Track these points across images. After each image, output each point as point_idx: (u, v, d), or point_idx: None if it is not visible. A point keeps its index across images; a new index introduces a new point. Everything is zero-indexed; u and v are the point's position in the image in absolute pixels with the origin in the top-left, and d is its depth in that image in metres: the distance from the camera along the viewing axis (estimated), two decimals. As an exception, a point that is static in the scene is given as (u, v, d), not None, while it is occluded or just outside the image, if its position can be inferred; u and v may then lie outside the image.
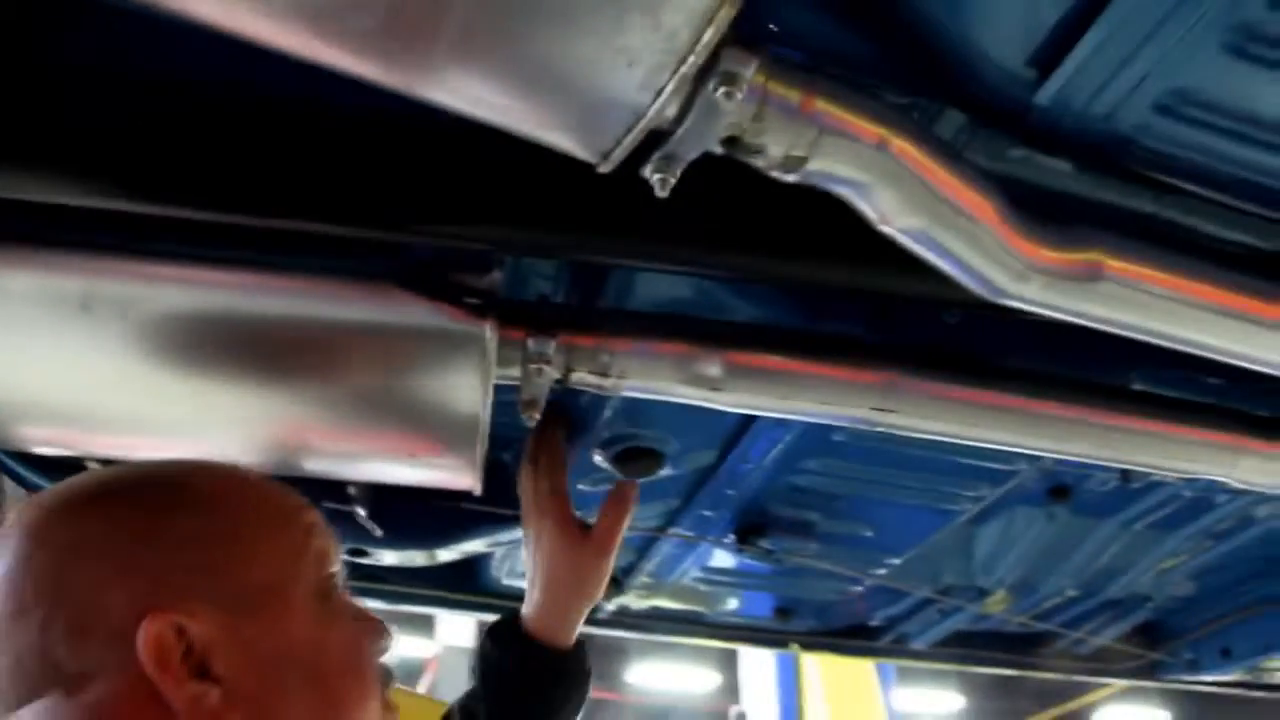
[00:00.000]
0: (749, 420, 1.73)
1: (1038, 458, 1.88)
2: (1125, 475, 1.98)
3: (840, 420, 1.46)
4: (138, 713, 0.83)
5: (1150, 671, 2.93)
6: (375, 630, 1.02)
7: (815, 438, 1.78)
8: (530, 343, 1.37)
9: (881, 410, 1.43)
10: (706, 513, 2.00)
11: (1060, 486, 2.11)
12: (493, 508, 1.95)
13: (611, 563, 1.55)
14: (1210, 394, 1.69)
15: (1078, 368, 1.62)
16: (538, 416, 1.45)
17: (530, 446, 1.65)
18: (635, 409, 1.73)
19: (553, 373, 1.40)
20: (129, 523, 0.91)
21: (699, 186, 1.27)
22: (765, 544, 1.98)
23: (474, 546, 2.03)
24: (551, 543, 1.53)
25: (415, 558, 2.01)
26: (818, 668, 4.35)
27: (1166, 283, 1.29)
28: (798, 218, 1.33)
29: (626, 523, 1.57)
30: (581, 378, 1.43)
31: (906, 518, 2.07)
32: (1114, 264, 1.24)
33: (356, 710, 0.95)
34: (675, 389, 1.44)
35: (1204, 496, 2.15)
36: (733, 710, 4.33)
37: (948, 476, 1.93)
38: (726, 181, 1.23)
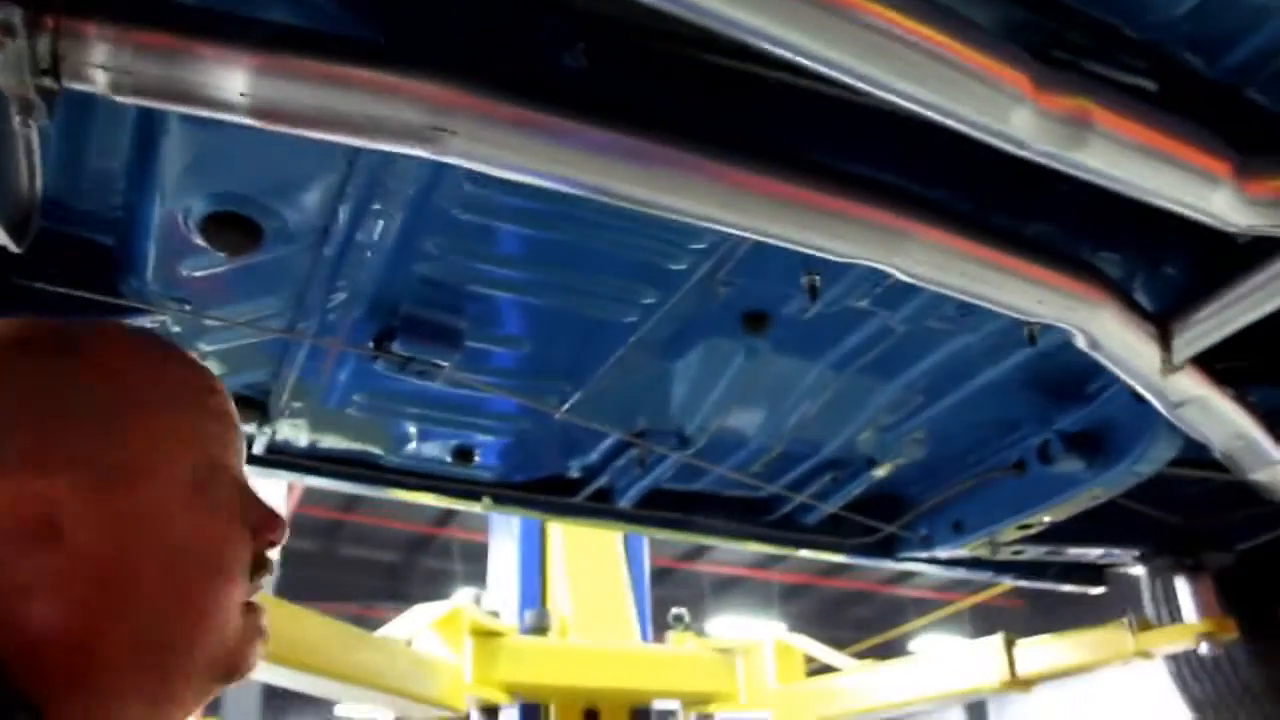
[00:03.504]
0: (345, 180, 1.46)
1: (707, 253, 1.65)
2: (812, 290, 1.75)
3: (393, 142, 1.19)
4: None
5: (886, 548, 2.77)
6: (260, 525, 0.96)
7: (430, 210, 1.52)
8: (-6, 11, 1.08)
9: (439, 130, 1.16)
10: (332, 311, 1.73)
11: (755, 313, 1.89)
12: (89, 294, 1.67)
13: None
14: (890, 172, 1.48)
15: (742, 130, 1.40)
16: (33, 123, 1.18)
17: None
18: (211, 158, 1.45)
19: (27, 56, 1.11)
20: (12, 380, 0.87)
21: None
22: (399, 349, 1.71)
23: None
24: None
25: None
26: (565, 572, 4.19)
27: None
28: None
29: None
30: (77, 73, 1.15)
31: (570, 330, 1.83)
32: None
33: (209, 606, 0.90)
34: (201, 96, 1.17)
35: (914, 333, 1.96)
36: (470, 593, 4.12)
37: (602, 275, 1.69)
38: None
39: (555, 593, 4.18)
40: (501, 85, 1.20)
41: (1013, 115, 1.18)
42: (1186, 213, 1.36)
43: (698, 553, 16.30)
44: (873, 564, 2.87)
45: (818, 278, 1.75)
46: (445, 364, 1.75)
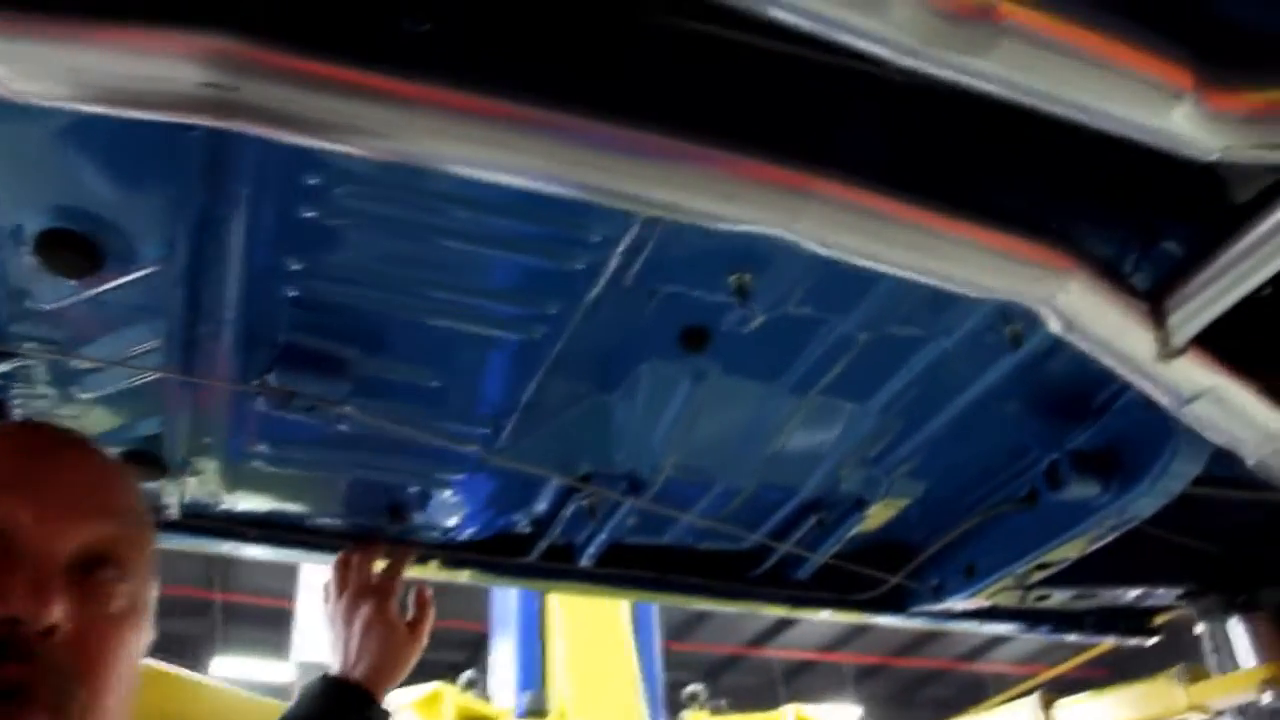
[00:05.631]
0: (173, 183, 1.28)
1: (604, 247, 1.43)
2: (741, 290, 1.53)
3: (166, 110, 1.00)
4: None
5: (895, 602, 2.49)
6: None
7: (276, 214, 1.33)
8: None
9: (217, 87, 0.97)
10: (206, 345, 1.53)
11: (693, 328, 1.67)
12: None
13: None
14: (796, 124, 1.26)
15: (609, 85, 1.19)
16: None
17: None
18: (28, 165, 1.28)
19: None
20: None
21: None
22: (277, 383, 1.51)
23: None
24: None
25: None
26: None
27: None
28: None
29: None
30: None
31: (474, 355, 1.62)
32: None
33: None
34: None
35: (879, 343, 1.72)
36: (463, 676, 3.85)
37: (491, 285, 1.49)
38: None
39: (557, 673, 3.90)
40: (294, 36, 1.01)
41: (894, 11, 0.97)
42: (1141, 136, 1.12)
43: (766, 637, 15.86)
44: (883, 622, 2.59)
45: (748, 277, 1.53)
46: (334, 399, 1.55)
